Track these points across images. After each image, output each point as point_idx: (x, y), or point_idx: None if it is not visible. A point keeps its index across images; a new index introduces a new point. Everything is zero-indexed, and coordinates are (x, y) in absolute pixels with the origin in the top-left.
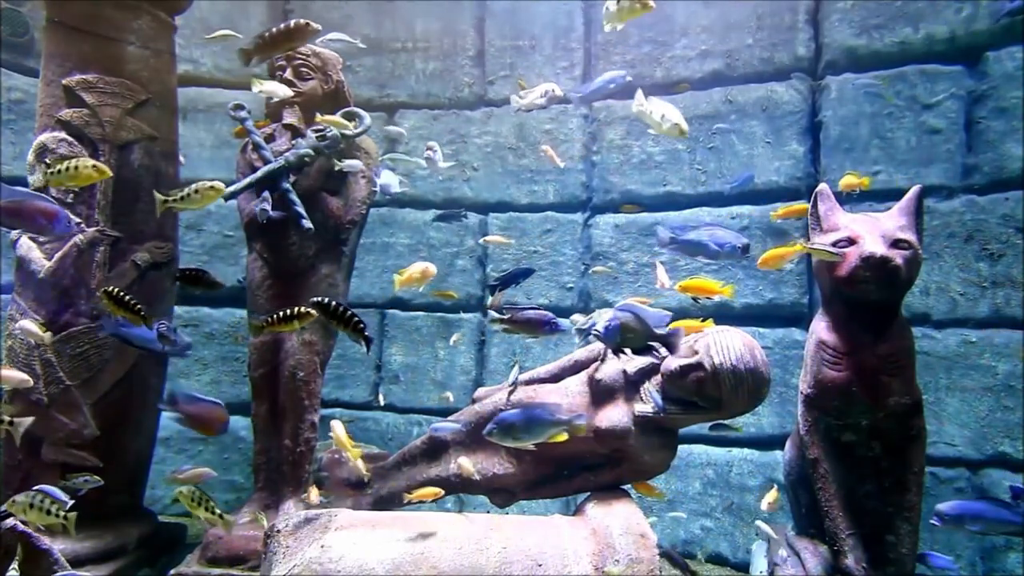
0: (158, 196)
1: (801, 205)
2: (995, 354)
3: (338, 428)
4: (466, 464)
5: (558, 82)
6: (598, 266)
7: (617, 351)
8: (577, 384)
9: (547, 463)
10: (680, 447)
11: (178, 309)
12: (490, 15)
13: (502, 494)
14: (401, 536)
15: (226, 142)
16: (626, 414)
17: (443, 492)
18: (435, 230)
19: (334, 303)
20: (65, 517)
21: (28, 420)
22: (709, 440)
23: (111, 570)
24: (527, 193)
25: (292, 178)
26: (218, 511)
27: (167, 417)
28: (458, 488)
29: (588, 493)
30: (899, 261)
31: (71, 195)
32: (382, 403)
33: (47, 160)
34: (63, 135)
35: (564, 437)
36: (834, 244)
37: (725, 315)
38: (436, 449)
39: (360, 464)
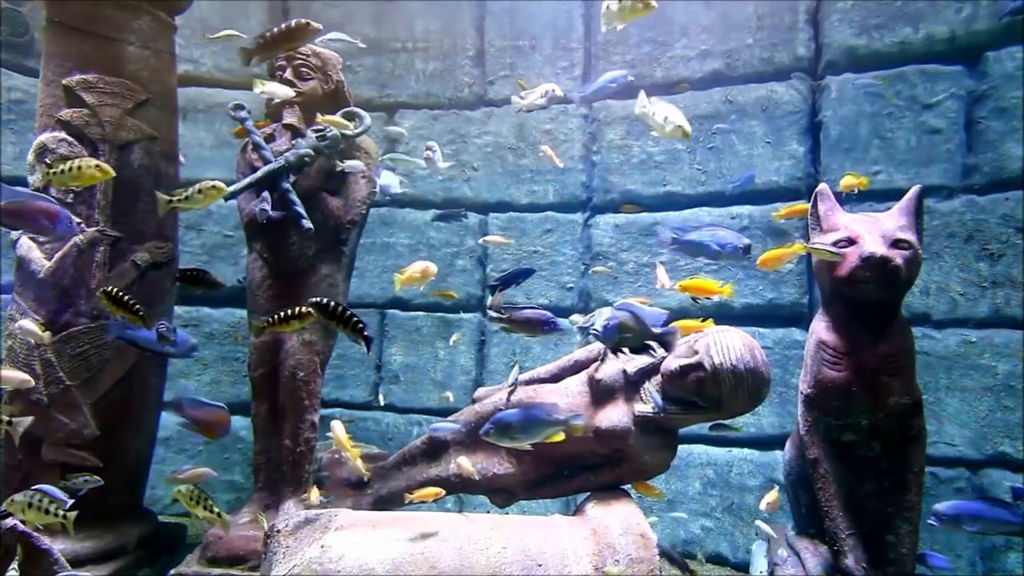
0: (162, 196)
1: (803, 205)
2: (995, 354)
3: (338, 428)
4: (465, 464)
5: (558, 82)
6: (598, 266)
7: (615, 350)
8: (577, 384)
9: (547, 463)
10: (680, 447)
11: (178, 309)
12: (490, 15)
13: (502, 494)
14: (401, 536)
15: (226, 142)
16: (626, 414)
17: (443, 492)
18: (435, 230)
19: (333, 303)
20: (64, 516)
21: (27, 420)
22: (709, 440)
23: (111, 570)
24: (527, 193)
25: (292, 178)
26: (216, 509)
27: (169, 418)
28: (458, 488)
29: (588, 493)
30: (899, 261)
31: (71, 195)
32: (382, 403)
33: (47, 160)
34: (63, 135)
35: (561, 437)
36: (834, 244)
37: (725, 315)
38: (436, 449)
39: (360, 464)
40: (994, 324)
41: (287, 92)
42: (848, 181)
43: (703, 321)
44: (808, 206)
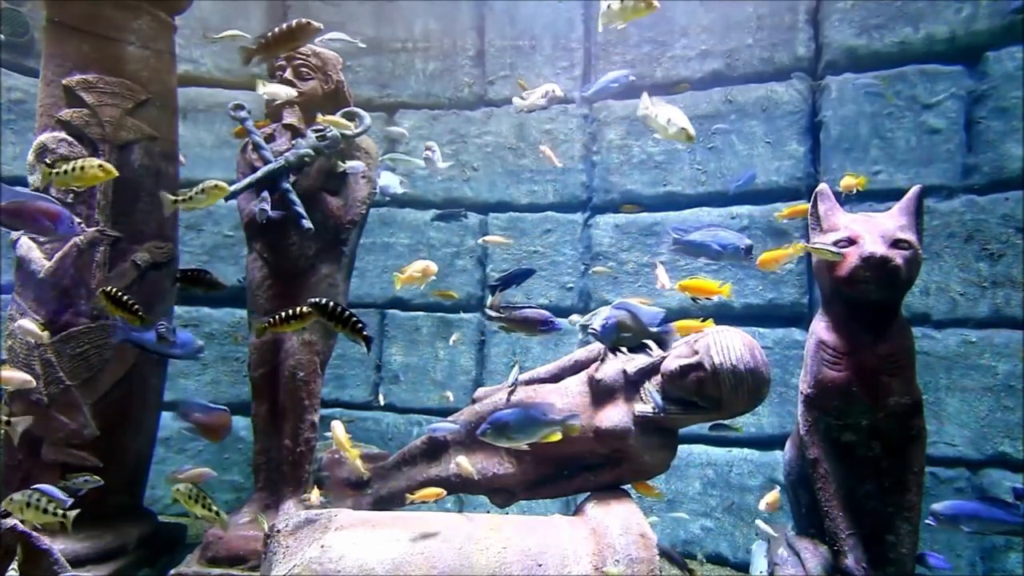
0: (168, 197)
1: (805, 206)
2: (995, 354)
3: (338, 428)
4: (465, 463)
5: (558, 82)
6: (598, 266)
7: (614, 349)
8: (577, 384)
9: (547, 463)
10: (680, 447)
11: (178, 309)
12: (490, 15)
13: (502, 494)
14: (401, 536)
15: (226, 142)
16: (626, 414)
17: (444, 492)
18: (435, 230)
19: (332, 304)
20: (64, 515)
21: (27, 419)
22: (709, 440)
23: (111, 570)
24: (527, 193)
25: (292, 178)
26: (215, 508)
27: (169, 418)
28: (458, 488)
29: (588, 493)
30: (899, 261)
31: (71, 195)
32: (382, 403)
33: (47, 160)
34: (63, 135)
35: (558, 437)
36: (834, 244)
37: (725, 315)
38: (436, 449)
39: (359, 464)
40: (994, 324)
41: (289, 92)
42: (847, 182)
43: (703, 321)
44: (808, 206)
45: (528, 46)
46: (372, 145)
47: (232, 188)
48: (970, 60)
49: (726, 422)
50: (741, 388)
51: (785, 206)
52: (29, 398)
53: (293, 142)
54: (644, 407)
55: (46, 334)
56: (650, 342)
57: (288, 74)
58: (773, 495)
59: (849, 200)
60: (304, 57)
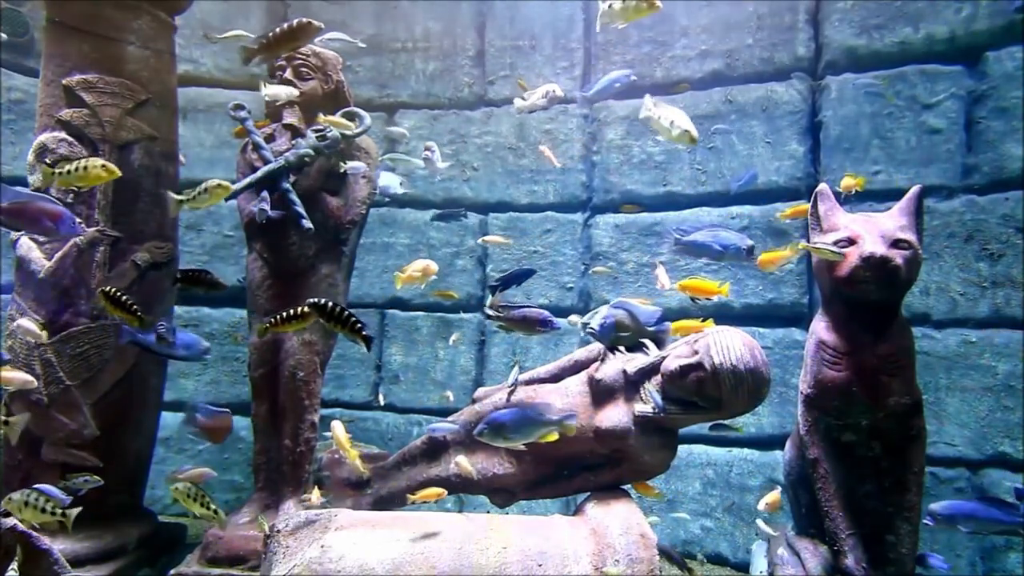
0: (174, 197)
1: (806, 206)
2: (995, 354)
3: (338, 428)
4: (464, 463)
5: (558, 82)
6: (598, 266)
7: (612, 348)
8: (577, 384)
9: (547, 463)
10: (680, 447)
11: (178, 309)
12: (490, 15)
13: (502, 494)
14: (401, 536)
15: (226, 142)
16: (626, 414)
17: (445, 492)
18: (435, 230)
19: (331, 304)
20: (63, 514)
21: (25, 417)
22: (709, 440)
23: (111, 570)
24: (527, 193)
25: (292, 178)
26: (213, 507)
27: (169, 418)
28: (458, 488)
29: (588, 493)
30: (899, 261)
31: (71, 195)
32: (382, 403)
33: (47, 160)
34: (63, 135)
35: (555, 437)
36: (834, 244)
37: (725, 315)
38: (436, 449)
39: (358, 464)
40: (994, 324)
41: (291, 93)
42: (847, 182)
43: (703, 321)
44: (808, 206)
45: (528, 46)
46: (372, 145)
47: (233, 188)
48: (970, 60)
49: (726, 422)
50: (741, 388)
51: (785, 206)
52: (29, 398)
53: (293, 142)
54: (644, 407)
55: (45, 334)
56: (647, 341)
57: (288, 74)
58: (773, 495)
59: (849, 200)
60: (304, 57)
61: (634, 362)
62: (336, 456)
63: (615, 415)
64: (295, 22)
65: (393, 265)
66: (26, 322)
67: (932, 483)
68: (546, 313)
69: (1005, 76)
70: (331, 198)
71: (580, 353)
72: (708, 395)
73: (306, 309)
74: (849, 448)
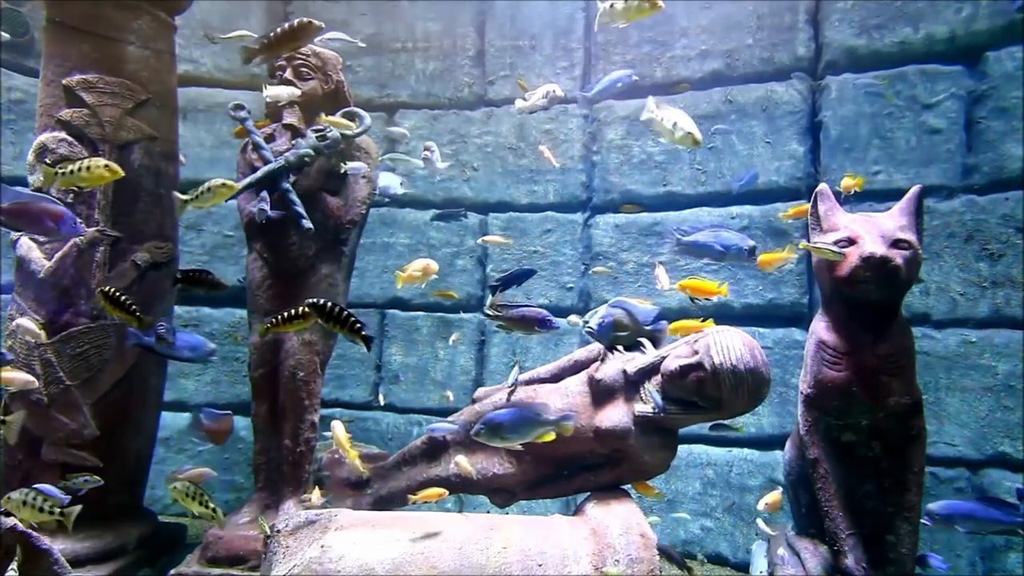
0: (179, 196)
1: (807, 206)
2: (995, 354)
3: (338, 428)
4: (463, 462)
5: (558, 82)
6: (598, 266)
7: (610, 347)
8: (577, 384)
9: (547, 463)
10: (680, 447)
11: (178, 309)
12: (490, 15)
13: (502, 494)
14: (401, 536)
15: (226, 142)
16: (626, 414)
17: (446, 492)
18: (435, 230)
19: (330, 304)
20: (61, 514)
21: (21, 416)
22: (709, 440)
23: (111, 570)
24: (527, 193)
25: (292, 178)
26: (212, 505)
27: (169, 418)
28: (458, 488)
29: (588, 493)
30: (899, 261)
31: (71, 195)
32: (382, 403)
33: (47, 160)
34: (63, 135)
35: (551, 437)
36: (834, 244)
37: (725, 315)
38: (436, 449)
39: (358, 464)
40: (994, 324)
41: (293, 93)
42: (846, 182)
43: (703, 321)
44: (808, 206)
45: (528, 46)
46: (372, 145)
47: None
48: (970, 60)
49: (726, 422)
50: (741, 388)
51: (785, 206)
52: (29, 398)
53: (293, 142)
54: (644, 407)
55: (43, 334)
56: (644, 340)
57: (288, 74)
58: (773, 496)
59: (849, 200)
60: (304, 57)
61: (634, 362)
62: (336, 456)
63: (615, 415)
64: (296, 22)
65: (393, 265)
66: (25, 321)
67: (932, 483)
68: (545, 312)
69: (1005, 76)
70: (331, 198)
71: (580, 353)
72: (708, 395)
73: (306, 310)
74: (849, 448)
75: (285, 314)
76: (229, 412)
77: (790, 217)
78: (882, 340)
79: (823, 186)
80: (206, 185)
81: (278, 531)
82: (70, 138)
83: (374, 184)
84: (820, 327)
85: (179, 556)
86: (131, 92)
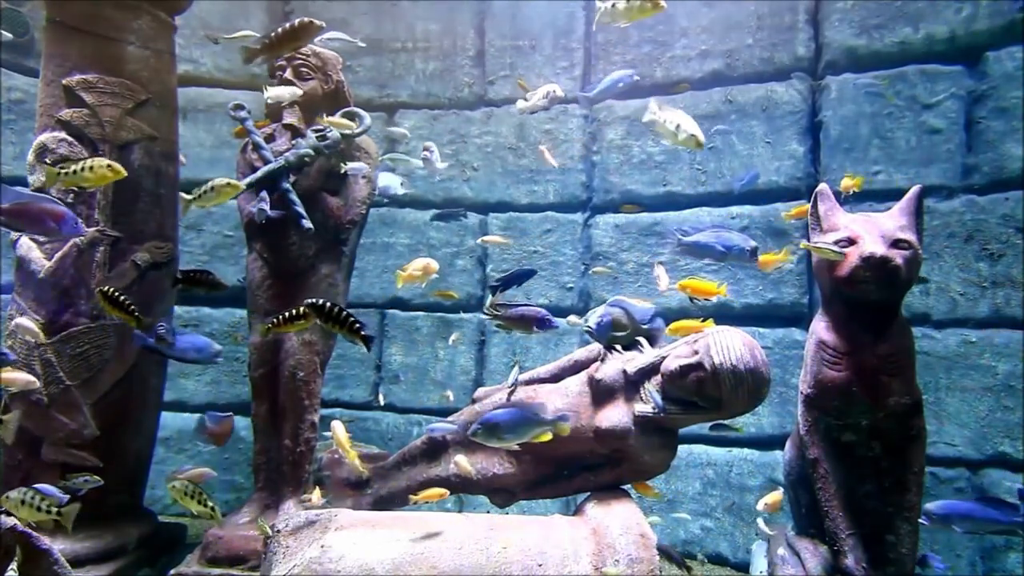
0: (184, 196)
1: (808, 206)
2: (995, 354)
3: (338, 428)
4: (463, 462)
5: (558, 82)
6: (598, 266)
7: (608, 346)
8: (577, 384)
9: (547, 463)
10: (680, 447)
11: (178, 309)
12: (490, 15)
13: (502, 494)
14: (401, 536)
15: (226, 142)
16: (626, 414)
17: (447, 493)
18: (435, 230)
19: (329, 304)
20: (59, 513)
21: (16, 415)
22: (709, 440)
23: (111, 570)
24: (527, 193)
25: (292, 178)
26: (210, 504)
27: (169, 418)
28: (458, 488)
29: (588, 493)
30: (899, 261)
31: (71, 195)
32: (382, 403)
33: (47, 160)
34: (63, 135)
35: (548, 437)
36: (834, 244)
37: (725, 315)
38: (436, 449)
39: (357, 464)
40: (994, 324)
41: (295, 93)
42: (845, 183)
43: (703, 321)
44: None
45: (528, 46)
46: (372, 145)
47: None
48: (970, 60)
49: (726, 422)
50: (741, 388)
51: (785, 206)
52: (29, 398)
53: (293, 142)
54: (644, 407)
55: (42, 333)
56: (641, 338)
57: (288, 74)
58: (773, 496)
59: (849, 200)
60: (304, 57)
61: (634, 362)
62: (336, 456)
63: (615, 415)
64: (297, 22)
65: (393, 265)
66: (24, 321)
67: (932, 483)
68: (544, 312)
69: (1005, 76)
70: (331, 198)
71: (580, 353)
72: (708, 395)
73: (306, 310)
74: (849, 448)
75: (285, 314)
76: (230, 414)
77: (792, 217)
78: (882, 340)
79: (823, 186)
80: (210, 184)
81: (278, 531)
82: (70, 138)
83: (374, 184)
84: (820, 327)
85: (179, 556)
86: (131, 92)
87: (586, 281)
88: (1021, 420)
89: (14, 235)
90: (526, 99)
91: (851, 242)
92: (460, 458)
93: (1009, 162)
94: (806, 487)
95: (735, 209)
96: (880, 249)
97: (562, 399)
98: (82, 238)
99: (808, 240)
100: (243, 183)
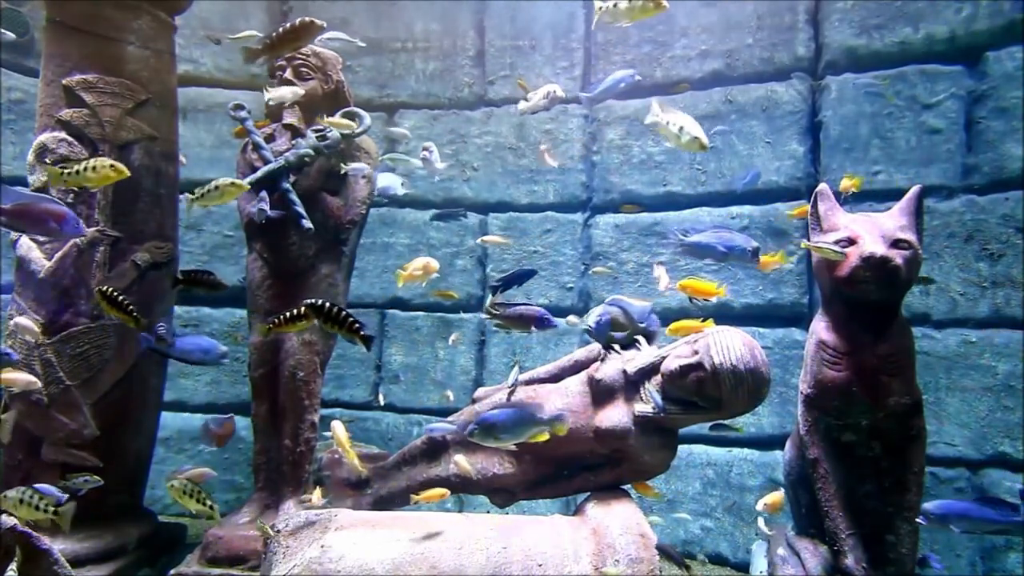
0: (188, 196)
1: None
2: (995, 354)
3: (338, 428)
4: (462, 462)
5: (558, 82)
6: (598, 266)
7: (606, 346)
8: (577, 384)
9: (547, 463)
10: (680, 447)
11: (178, 309)
12: (490, 15)
13: (502, 494)
14: (401, 536)
15: (226, 142)
16: (626, 414)
17: (448, 493)
18: (435, 230)
19: (328, 304)
20: (55, 513)
21: (12, 415)
22: (709, 440)
23: (111, 570)
24: (527, 193)
25: (292, 178)
26: (209, 502)
27: (169, 418)
28: (458, 488)
29: (588, 493)
30: (899, 261)
31: (71, 195)
32: (382, 403)
33: (47, 160)
34: (63, 135)
35: (545, 437)
36: (834, 244)
37: (725, 315)
38: (436, 449)
39: (356, 464)
40: (994, 324)
41: (297, 93)
42: (844, 184)
43: (703, 321)
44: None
45: (528, 46)
46: (372, 145)
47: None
48: (970, 60)
49: (726, 422)
50: (741, 388)
51: (785, 206)
52: (29, 398)
53: (293, 142)
54: (644, 407)
55: (40, 332)
56: (639, 337)
57: (288, 74)
58: (773, 496)
59: (849, 200)
60: (304, 57)
61: (634, 362)
62: (336, 456)
63: (615, 415)
64: (298, 22)
65: (393, 265)
66: (23, 320)
67: (932, 483)
68: (543, 310)
69: (1005, 76)
70: (331, 198)
71: (580, 353)
72: (708, 395)
73: (307, 310)
74: (849, 448)
75: (286, 314)
76: (231, 415)
77: (795, 217)
78: (882, 340)
79: (823, 186)
80: (214, 184)
81: (278, 531)
82: (70, 138)
83: (374, 184)
84: (820, 327)
85: (179, 556)
86: (131, 92)
87: (586, 281)
88: (1021, 420)
89: (14, 235)
90: (527, 99)
91: (851, 242)
92: (460, 458)
93: (1009, 162)
94: (806, 487)
95: (735, 209)
96: (880, 249)
97: (562, 399)
98: (82, 238)
99: (808, 240)
100: (245, 182)
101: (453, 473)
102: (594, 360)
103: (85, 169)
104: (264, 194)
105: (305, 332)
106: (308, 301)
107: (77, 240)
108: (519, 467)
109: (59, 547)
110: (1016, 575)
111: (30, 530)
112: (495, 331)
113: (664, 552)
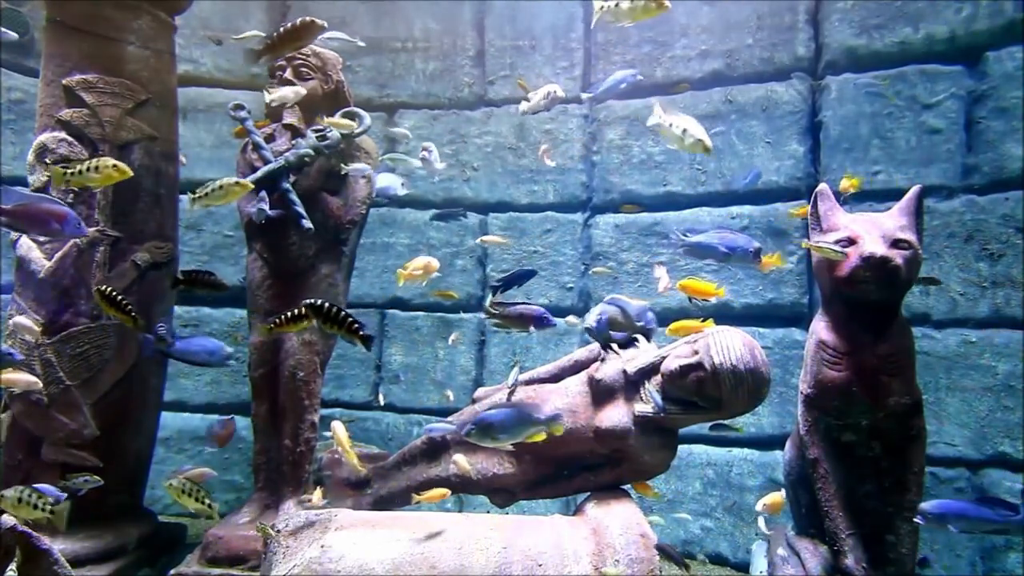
0: (191, 195)
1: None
2: (995, 354)
3: (338, 428)
4: (462, 462)
5: (558, 82)
6: (598, 266)
7: (605, 345)
8: (577, 384)
9: (547, 463)
10: (680, 447)
11: (178, 309)
12: (490, 15)
13: (502, 494)
14: (401, 536)
15: (226, 142)
16: (626, 414)
17: (448, 493)
18: (435, 230)
19: (327, 305)
20: (51, 512)
21: (8, 416)
22: (709, 440)
23: (111, 570)
24: (527, 193)
25: (292, 178)
26: (207, 500)
27: (169, 418)
28: (458, 488)
29: (588, 493)
30: (899, 261)
31: (71, 195)
32: (382, 403)
33: (47, 160)
34: (63, 135)
35: (542, 437)
36: (835, 244)
37: (725, 315)
38: (436, 449)
39: (355, 464)
40: (994, 324)
41: (299, 92)
42: (843, 184)
43: (703, 321)
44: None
45: (528, 46)
46: (372, 145)
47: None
48: (970, 60)
49: (726, 422)
50: (741, 388)
51: (785, 206)
52: (29, 398)
53: (293, 142)
54: (644, 407)
55: (39, 331)
56: (638, 336)
57: (288, 74)
58: (774, 497)
59: (849, 200)
60: (304, 57)
61: (634, 362)
62: (336, 456)
63: (615, 415)
64: (299, 21)
65: (393, 265)
66: (22, 320)
67: (932, 483)
68: (542, 310)
69: (1005, 76)
70: (331, 198)
71: (580, 353)
72: (708, 395)
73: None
74: (849, 448)
75: (286, 315)
76: (232, 417)
77: (796, 216)
78: (882, 340)
79: (823, 186)
80: (218, 183)
81: (278, 531)
82: (70, 138)
83: (374, 184)
84: (820, 327)
85: (179, 556)
86: (131, 92)
87: (586, 281)
88: (1021, 420)
89: (14, 235)
90: (527, 100)
91: (851, 242)
92: (460, 458)
93: (1009, 162)
94: (806, 487)
95: (735, 209)
96: (880, 249)
97: (562, 399)
98: (83, 238)
99: (808, 240)
100: (247, 181)
101: (453, 473)
102: (594, 360)
103: (88, 169)
104: (264, 194)
105: (305, 332)
106: (308, 301)
107: (77, 240)
108: (519, 467)
109: (59, 547)
110: (1016, 575)
111: (30, 530)
112: (495, 331)
113: (664, 552)
